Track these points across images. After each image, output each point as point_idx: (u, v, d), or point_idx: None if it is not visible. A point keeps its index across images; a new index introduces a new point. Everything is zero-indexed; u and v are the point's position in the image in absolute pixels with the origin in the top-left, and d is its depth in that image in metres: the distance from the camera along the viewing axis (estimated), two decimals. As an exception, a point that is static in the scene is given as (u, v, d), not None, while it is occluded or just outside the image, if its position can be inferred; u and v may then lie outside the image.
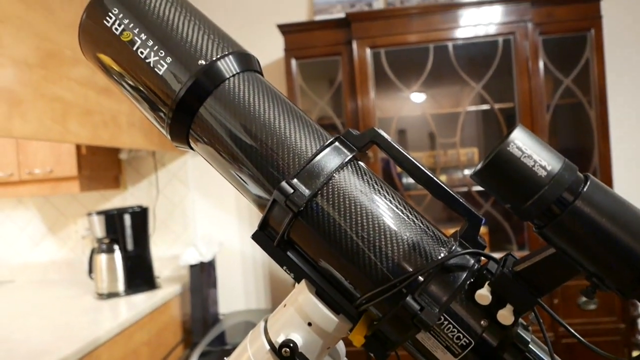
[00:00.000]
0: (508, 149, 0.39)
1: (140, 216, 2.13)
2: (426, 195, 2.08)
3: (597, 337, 1.94)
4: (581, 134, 2.14)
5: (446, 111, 2.22)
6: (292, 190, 0.49)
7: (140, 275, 2.06)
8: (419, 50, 2.04)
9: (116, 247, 2.02)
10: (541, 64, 1.98)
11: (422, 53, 2.03)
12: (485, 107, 2.13)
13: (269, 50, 2.30)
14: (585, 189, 0.38)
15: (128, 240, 2.06)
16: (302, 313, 0.54)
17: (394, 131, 2.15)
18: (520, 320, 0.52)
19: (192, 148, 0.60)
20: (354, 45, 1.99)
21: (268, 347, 0.53)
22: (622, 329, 1.93)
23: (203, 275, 2.13)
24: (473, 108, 2.14)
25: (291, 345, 0.52)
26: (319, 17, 2.24)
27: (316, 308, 0.53)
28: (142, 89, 0.57)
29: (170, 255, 2.42)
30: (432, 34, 2.00)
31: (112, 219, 2.04)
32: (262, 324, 0.58)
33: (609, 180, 2.00)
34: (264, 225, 0.55)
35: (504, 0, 1.97)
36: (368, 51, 2.00)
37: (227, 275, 2.39)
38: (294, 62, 2.08)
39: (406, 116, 2.22)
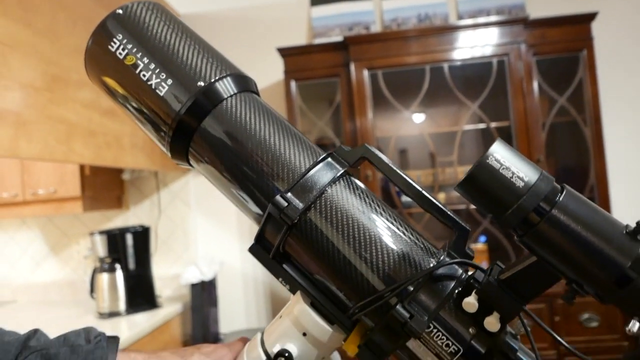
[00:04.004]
0: (487, 161, 0.41)
1: (142, 236, 2.15)
2: (425, 212, 2.10)
3: (600, 355, 1.92)
4: (577, 151, 2.17)
5: (444, 130, 2.25)
6: (286, 204, 0.52)
7: (141, 295, 2.07)
8: (416, 71, 2.09)
9: (118, 266, 2.04)
10: (535, 84, 2.02)
11: (419, 74, 2.08)
12: (482, 125, 2.17)
13: (270, 72, 2.35)
14: (560, 199, 0.40)
15: (130, 259, 2.07)
16: (297, 324, 0.55)
17: (392, 150, 2.18)
18: (510, 329, 0.54)
19: (192, 165, 0.62)
20: (352, 67, 2.04)
21: (264, 357, 0.55)
22: (624, 346, 1.92)
23: (204, 294, 2.13)
24: (470, 127, 2.18)
25: (286, 354, 0.54)
26: (318, 41, 2.30)
27: (311, 318, 0.55)
28: (144, 109, 0.59)
29: (171, 274, 2.42)
30: (428, 56, 2.05)
31: (114, 238, 2.06)
32: (258, 335, 0.60)
33: (606, 197, 2.01)
34: (260, 239, 0.57)
35: (498, 22, 2.02)
36: (365, 72, 2.05)
37: (228, 295, 2.39)
38: (293, 84, 2.13)
39: (404, 135, 2.25)
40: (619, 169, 2.22)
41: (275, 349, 0.54)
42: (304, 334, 0.55)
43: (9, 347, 0.50)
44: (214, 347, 0.59)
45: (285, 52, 2.12)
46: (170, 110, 0.56)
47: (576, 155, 2.21)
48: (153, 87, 0.57)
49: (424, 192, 0.54)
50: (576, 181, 2.06)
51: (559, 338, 0.48)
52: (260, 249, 0.58)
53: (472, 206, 2.08)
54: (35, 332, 0.53)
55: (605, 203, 2.00)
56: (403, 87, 2.16)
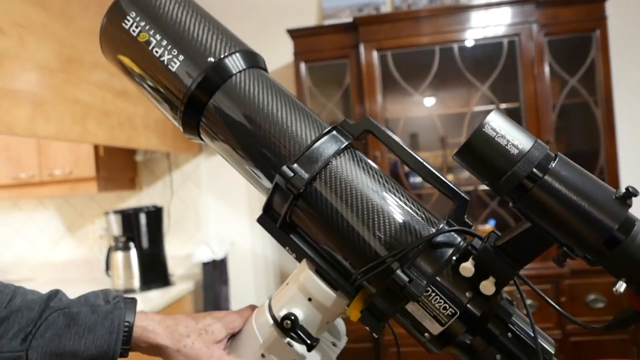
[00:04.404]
0: (483, 129, 0.43)
1: (155, 215, 2.20)
2: (433, 193, 2.11)
3: (607, 335, 1.94)
4: (588, 133, 2.16)
5: (453, 112, 2.25)
6: (292, 174, 0.54)
7: (154, 272, 2.13)
8: (425, 52, 2.08)
9: (132, 245, 2.10)
10: (546, 65, 2.00)
11: (429, 55, 2.07)
12: (491, 107, 2.16)
13: (279, 54, 2.36)
14: (553, 165, 0.42)
15: (143, 238, 2.13)
16: (303, 289, 0.58)
17: (401, 131, 2.18)
18: (507, 296, 0.56)
19: (203, 140, 0.65)
20: (361, 48, 2.04)
21: (272, 321, 0.58)
22: (630, 327, 1.93)
23: (215, 273, 2.18)
24: (479, 108, 2.17)
25: (292, 318, 0.57)
26: (328, 22, 2.30)
27: (316, 284, 0.57)
28: (157, 85, 0.62)
29: (183, 254, 2.48)
30: (438, 36, 2.04)
31: (129, 217, 2.12)
32: (266, 301, 0.63)
33: (615, 179, 2.00)
34: (268, 209, 0.60)
35: (510, 2, 2.00)
36: (375, 54, 2.05)
37: (238, 274, 2.44)
38: (303, 66, 2.14)
39: (414, 117, 2.26)
40: (629, 151, 2.20)
41: (282, 313, 0.57)
42: (309, 299, 0.58)
43: (32, 305, 0.53)
44: (224, 313, 0.62)
45: (295, 34, 2.13)
46: (182, 85, 0.59)
47: (586, 137, 2.20)
48: (165, 63, 0.60)
49: (424, 163, 0.56)
50: (586, 163, 2.05)
51: (552, 302, 0.50)
52: (268, 219, 0.60)
53: (481, 187, 2.10)
54: (57, 293, 0.56)
55: (615, 185, 1.99)
56: (413, 69, 2.16)
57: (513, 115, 2.08)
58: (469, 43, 2.06)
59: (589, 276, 1.90)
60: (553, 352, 0.53)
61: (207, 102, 0.59)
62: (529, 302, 2.06)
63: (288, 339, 0.57)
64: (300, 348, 0.57)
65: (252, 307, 0.63)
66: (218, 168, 2.52)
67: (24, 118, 1.29)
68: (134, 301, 0.57)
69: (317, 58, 2.15)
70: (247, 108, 0.59)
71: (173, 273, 2.33)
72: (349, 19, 2.17)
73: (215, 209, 2.53)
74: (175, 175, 2.55)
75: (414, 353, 1.92)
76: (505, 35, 2.01)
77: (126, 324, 0.53)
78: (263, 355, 0.58)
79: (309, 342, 0.56)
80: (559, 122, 2.09)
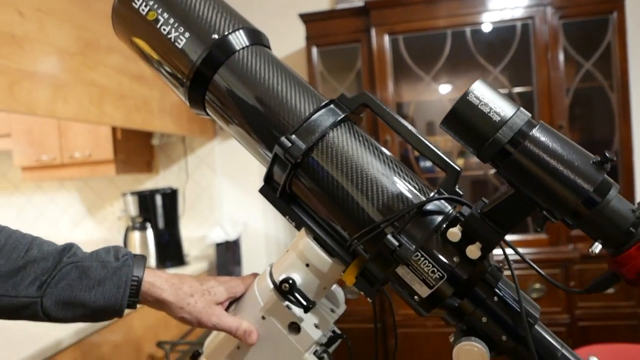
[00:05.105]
0: (467, 97, 0.45)
1: (171, 197, 2.27)
2: (440, 177, 2.11)
3: (616, 320, 1.93)
4: (602, 118, 2.13)
5: (465, 96, 2.24)
6: (290, 144, 0.57)
7: (170, 252, 2.20)
8: (438, 36, 2.07)
9: (148, 225, 2.17)
10: (561, 48, 1.98)
11: (440, 39, 2.07)
12: (503, 91, 2.15)
13: (292, 39, 2.38)
14: (533, 132, 0.44)
15: (159, 219, 2.20)
16: (302, 256, 0.62)
17: (412, 115, 2.19)
18: (495, 264, 0.59)
19: (208, 114, 0.68)
20: (373, 32, 2.05)
21: (272, 286, 0.62)
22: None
23: (228, 254, 2.24)
24: (492, 93, 2.16)
25: (290, 281, 0.60)
26: (341, 6, 2.30)
27: (313, 251, 0.61)
28: (165, 61, 0.65)
29: (198, 236, 2.55)
30: (450, 20, 2.03)
31: (145, 199, 2.18)
32: (268, 268, 0.66)
33: (630, 165, 1.98)
34: (268, 179, 0.63)
35: (524, -16, 1.97)
36: (386, 38, 2.05)
37: (251, 255, 2.50)
38: (315, 50, 2.16)
39: (425, 101, 2.26)
40: (646, 137, 2.16)
41: (281, 277, 0.61)
42: (307, 265, 0.61)
43: (48, 256, 0.57)
44: (228, 278, 0.66)
45: (307, 18, 2.14)
46: (188, 61, 0.62)
47: (601, 122, 2.17)
48: (172, 40, 0.63)
49: (418, 134, 0.58)
50: (599, 148, 2.03)
51: (533, 264, 0.52)
52: (269, 189, 0.64)
53: (491, 171, 2.10)
54: (71, 247, 0.60)
55: (629, 170, 1.97)
56: (424, 53, 2.15)
57: (526, 100, 2.07)
58: (483, 27, 2.04)
59: (599, 261, 1.89)
60: (538, 317, 0.56)
61: (211, 77, 0.63)
62: (537, 285, 2.06)
63: (287, 302, 0.60)
64: (298, 311, 0.60)
65: (255, 275, 0.67)
66: (232, 152, 2.57)
67: (44, 99, 1.35)
68: (143, 258, 0.60)
69: (329, 42, 2.16)
70: (249, 82, 0.62)
71: (188, 254, 2.40)
72: (361, 3, 2.17)
73: (229, 192, 2.58)
74: (190, 159, 2.61)
75: (420, 334, 1.96)
76: (519, 18, 1.99)
77: (135, 278, 0.57)
78: (263, 317, 0.61)
79: (305, 304, 0.59)
80: (573, 106, 2.06)
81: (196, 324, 0.59)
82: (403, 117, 0.61)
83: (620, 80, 1.97)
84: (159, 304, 0.58)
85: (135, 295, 0.57)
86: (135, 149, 2.45)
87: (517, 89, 2.08)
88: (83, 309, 0.56)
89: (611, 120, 2.01)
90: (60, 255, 0.57)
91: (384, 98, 2.06)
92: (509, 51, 2.03)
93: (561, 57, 1.98)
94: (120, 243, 2.31)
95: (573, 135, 2.09)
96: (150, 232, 2.17)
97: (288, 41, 2.39)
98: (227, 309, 0.67)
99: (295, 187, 0.62)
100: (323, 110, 0.60)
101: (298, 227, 0.63)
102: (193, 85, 0.63)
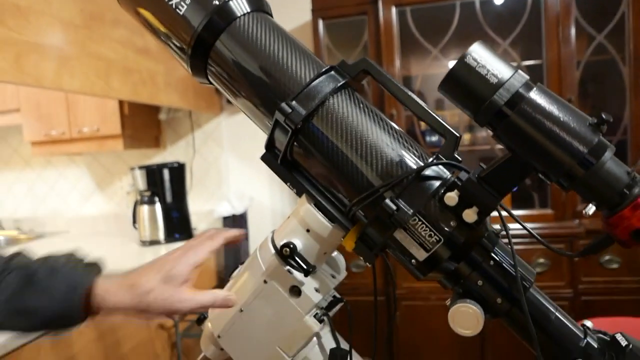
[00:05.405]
0: (465, 60, 0.45)
1: (178, 171, 2.29)
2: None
3: (620, 295, 1.94)
4: (613, 91, 2.09)
5: (473, 70, 2.20)
6: (290, 110, 0.58)
7: (178, 225, 2.24)
8: (446, 7, 2.03)
9: (156, 199, 2.20)
10: (572, 20, 1.93)
11: (449, 11, 2.03)
12: (513, 64, 2.11)
13: (297, 12, 2.35)
14: (530, 94, 0.44)
15: (167, 193, 2.23)
16: (302, 221, 0.63)
17: (419, 88, 2.17)
18: (492, 229, 0.59)
19: (211, 82, 0.69)
20: (380, 4, 2.01)
21: (273, 250, 0.63)
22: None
23: (235, 227, 2.27)
24: (501, 66, 2.12)
25: (291, 246, 0.61)
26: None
27: (314, 216, 0.62)
28: (167, 29, 0.65)
29: (205, 210, 2.58)
30: (459, -9, 1.99)
31: (153, 173, 2.21)
32: (270, 235, 0.68)
33: (639, 140, 1.95)
34: (270, 146, 0.64)
35: (536, -47, 1.92)
36: (394, 9, 2.02)
37: (258, 229, 2.53)
38: (321, 23, 2.13)
39: (432, 74, 2.23)
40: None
41: (282, 242, 0.62)
42: (308, 231, 0.62)
43: None
44: (183, 250, 0.62)
45: (313, -10, 2.10)
46: (189, 27, 0.62)
47: (611, 95, 2.13)
48: (174, 7, 0.63)
49: (417, 99, 0.59)
50: (609, 122, 2.00)
51: (524, 224, 0.53)
52: (270, 156, 0.65)
53: (498, 146, 2.08)
54: (18, 254, 0.58)
55: (638, 145, 1.94)
56: (432, 25, 2.11)
57: (535, 73, 2.03)
58: (494, -1, 1.99)
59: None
60: (533, 281, 0.57)
61: (213, 44, 0.63)
62: (541, 260, 2.06)
63: (288, 267, 0.62)
64: (298, 275, 0.62)
65: (215, 229, 0.66)
66: (238, 128, 2.57)
67: (51, 72, 1.35)
68: (96, 266, 0.59)
69: (335, 15, 2.13)
70: (250, 49, 0.62)
71: (196, 227, 2.44)
72: (369, -26, 2.13)
73: (236, 166, 2.60)
74: (197, 134, 2.62)
75: (424, 307, 1.99)
76: (530, -12, 1.94)
77: (85, 289, 0.54)
78: (265, 282, 0.63)
79: (305, 268, 0.61)
80: (584, 80, 2.03)
81: (172, 316, 0.57)
82: (410, 88, 0.61)
83: (632, 53, 1.93)
84: (121, 311, 0.56)
85: (86, 309, 0.54)
86: (143, 124, 2.47)
87: (527, 62, 2.05)
88: (33, 316, 0.53)
89: (622, 94, 1.98)
90: (6, 265, 0.55)
91: (391, 72, 2.03)
92: (519, 23, 1.99)
93: (572, 29, 1.94)
94: (130, 216, 2.35)
95: (584, 109, 2.06)
96: (158, 206, 2.20)
97: (294, 14, 2.36)
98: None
99: (296, 154, 0.63)
100: (323, 77, 0.60)
101: (299, 194, 0.64)
102: (195, 52, 0.63)
